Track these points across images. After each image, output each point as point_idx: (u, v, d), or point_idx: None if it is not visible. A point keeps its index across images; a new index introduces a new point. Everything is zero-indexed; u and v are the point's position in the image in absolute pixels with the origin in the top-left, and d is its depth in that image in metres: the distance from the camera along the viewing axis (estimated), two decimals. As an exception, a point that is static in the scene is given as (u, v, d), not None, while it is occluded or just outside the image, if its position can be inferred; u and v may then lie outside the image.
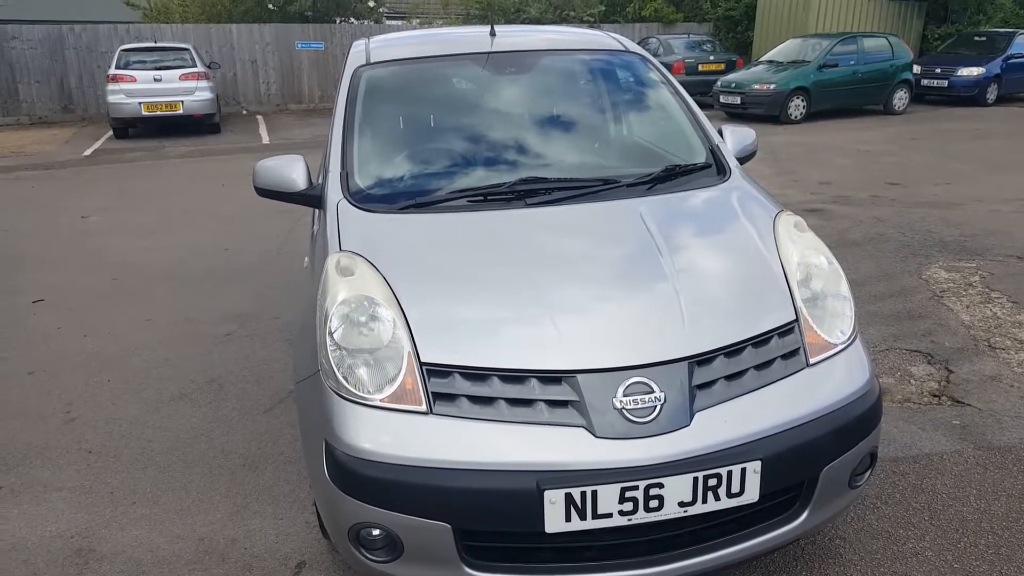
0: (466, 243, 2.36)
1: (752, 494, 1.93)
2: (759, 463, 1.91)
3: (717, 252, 2.40)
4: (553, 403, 1.91)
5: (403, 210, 2.54)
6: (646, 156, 3.08)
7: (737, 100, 13.92)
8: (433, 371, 1.96)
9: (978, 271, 5.18)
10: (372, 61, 3.18)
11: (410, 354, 1.98)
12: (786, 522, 2.09)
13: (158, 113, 12.25)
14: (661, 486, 1.85)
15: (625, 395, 1.91)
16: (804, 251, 2.36)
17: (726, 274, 2.29)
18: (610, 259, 2.32)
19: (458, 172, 2.81)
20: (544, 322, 2.03)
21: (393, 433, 1.91)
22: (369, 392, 1.96)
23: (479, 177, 2.75)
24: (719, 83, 14.48)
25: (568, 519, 1.83)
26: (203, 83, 12.52)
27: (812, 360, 2.11)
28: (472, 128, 3.01)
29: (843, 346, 2.19)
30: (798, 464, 2.01)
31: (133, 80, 12.11)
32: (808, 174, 8.87)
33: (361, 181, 2.70)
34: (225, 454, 3.15)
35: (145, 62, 12.45)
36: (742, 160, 3.19)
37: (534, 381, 1.93)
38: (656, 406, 1.91)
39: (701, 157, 2.95)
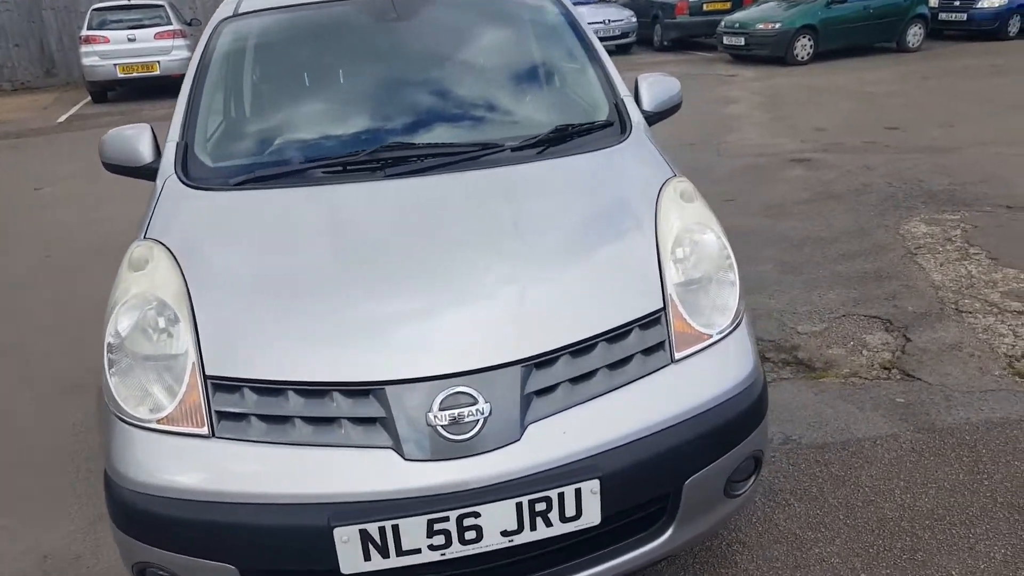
0: (293, 227, 2.07)
1: (592, 516, 1.67)
2: (597, 482, 1.64)
3: (584, 230, 2.08)
4: (359, 421, 1.65)
5: (239, 186, 2.25)
6: (543, 114, 2.74)
7: (741, 41, 13.27)
8: (219, 386, 1.69)
9: (961, 224, 4.79)
10: (240, 12, 2.86)
11: (195, 365, 1.72)
12: (650, 539, 1.84)
13: (134, 75, 11.93)
14: (477, 515, 1.60)
15: (441, 408, 1.64)
16: (688, 225, 2.06)
17: (588, 256, 1.99)
18: (453, 244, 2.02)
19: (316, 138, 2.50)
20: (358, 325, 1.76)
21: (170, 461, 1.66)
22: (147, 411, 1.71)
23: (341, 143, 2.44)
24: (723, 23, 13.81)
25: (368, 558, 1.59)
26: (180, 41, 12.10)
27: (678, 355, 1.83)
28: (340, 86, 2.70)
29: (719, 337, 1.90)
30: (651, 479, 1.74)
31: (106, 41, 11.75)
32: (805, 119, 8.38)
33: (201, 153, 2.41)
34: (97, 457, 2.95)
35: (120, 21, 12.07)
36: (664, 114, 2.86)
37: (337, 395, 1.66)
38: (479, 420, 1.64)
39: (604, 114, 2.62)
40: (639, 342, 1.81)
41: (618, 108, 2.62)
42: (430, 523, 1.58)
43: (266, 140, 2.50)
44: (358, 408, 1.65)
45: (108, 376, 1.75)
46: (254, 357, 1.72)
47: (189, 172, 2.34)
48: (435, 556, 1.61)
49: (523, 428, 1.66)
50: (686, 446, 1.76)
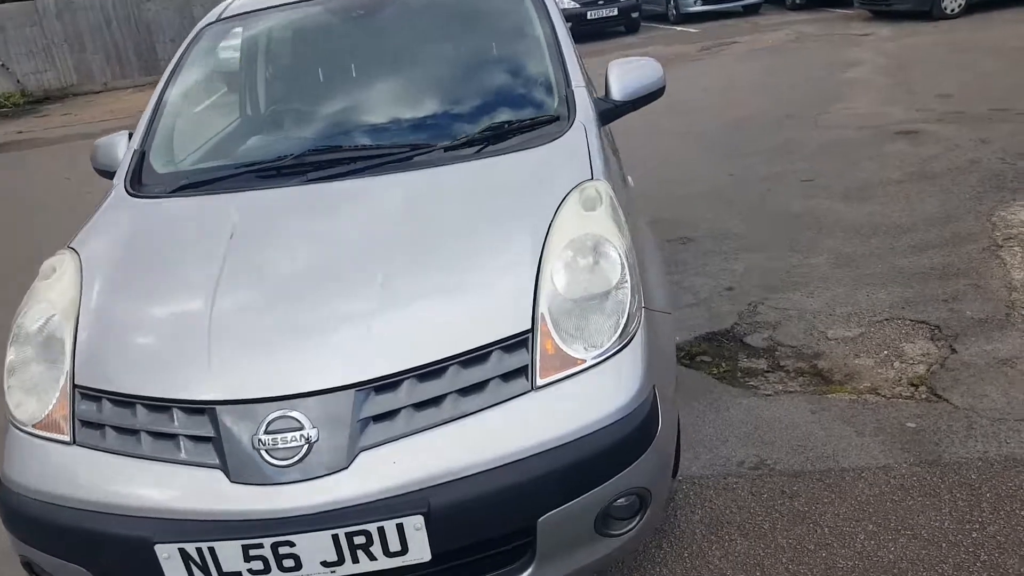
0: (197, 237, 2.09)
1: (420, 553, 1.58)
2: (421, 519, 1.55)
3: (468, 241, 1.94)
4: (194, 439, 1.65)
5: (172, 193, 2.30)
6: (489, 111, 2.59)
7: (882, -5, 12.02)
8: (84, 395, 1.76)
9: (1071, 211, 4.10)
10: (223, 16, 2.91)
11: (67, 375, 1.79)
12: (513, 574, 1.72)
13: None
14: (291, 544, 1.55)
15: (268, 432, 1.60)
16: (582, 236, 1.87)
17: (462, 271, 1.85)
18: (330, 257, 1.95)
19: (255, 143, 2.52)
20: (204, 342, 1.74)
21: (39, 464, 1.75)
22: (27, 416, 1.80)
23: (277, 147, 2.44)
24: (862, -24, 12.56)
25: None
26: None
27: (541, 381, 1.67)
28: (298, 90, 2.70)
29: (595, 362, 1.72)
30: (493, 515, 1.62)
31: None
32: (931, 84, 7.48)
33: (155, 159, 2.48)
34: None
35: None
36: (639, 103, 2.63)
37: (177, 412, 1.67)
38: (303, 446, 1.59)
39: (552, 108, 2.44)
40: (498, 366, 1.68)
41: (568, 101, 2.42)
42: (245, 548, 1.56)
43: (210, 146, 2.54)
44: (192, 427, 1.65)
45: (5, 380, 1.86)
46: (114, 370, 1.77)
47: (142, 179, 2.41)
48: None
49: (353, 456, 1.59)
50: (537, 482, 1.61)
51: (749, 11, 14.88)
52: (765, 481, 2.38)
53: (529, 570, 1.70)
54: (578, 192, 1.98)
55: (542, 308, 1.74)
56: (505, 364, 1.68)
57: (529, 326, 1.71)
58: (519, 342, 1.70)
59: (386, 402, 1.63)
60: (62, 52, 16.30)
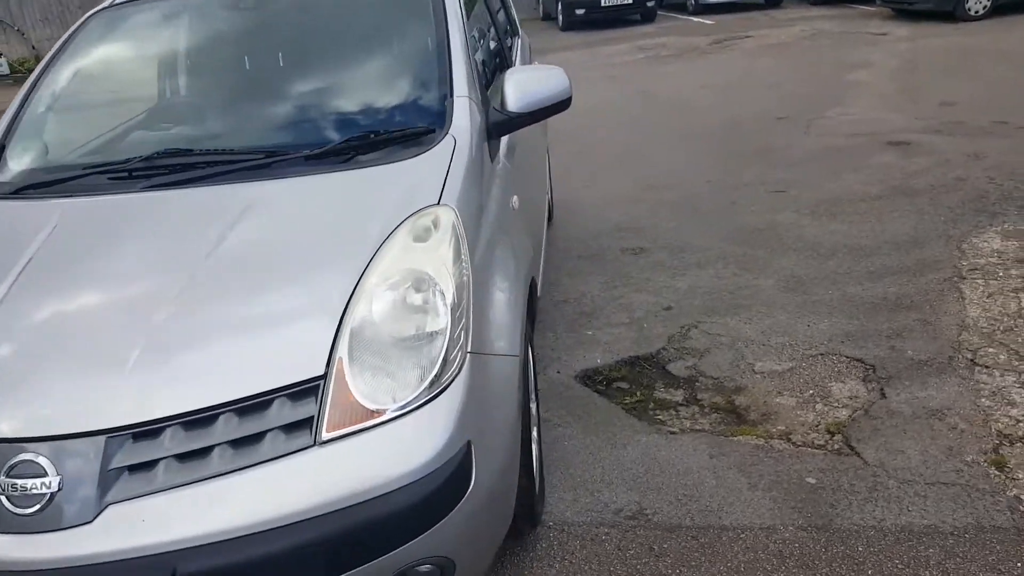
0: (8, 250, 1.93)
1: None
2: None
3: (278, 272, 1.75)
4: None
5: (13, 195, 2.15)
6: (362, 119, 2.38)
7: (905, -7, 11.55)
8: None
9: (1047, 242, 3.82)
10: (115, 3, 2.74)
11: None
12: None
13: None
14: None
15: (9, 476, 1.45)
16: (404, 272, 1.69)
17: (260, 306, 1.68)
18: (122, 283, 1.77)
19: (119, 142, 2.35)
20: None
21: None
22: None
23: (127, 148, 2.28)
24: (886, -28, 12.09)
25: None
26: None
27: (327, 436, 1.50)
28: (169, 87, 2.53)
29: (394, 415, 1.54)
30: None
31: None
32: (936, 91, 7.13)
33: (12, 156, 2.32)
34: None
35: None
36: (539, 115, 2.41)
37: None
38: (46, 494, 1.43)
39: (429, 117, 2.24)
40: (279, 416, 1.50)
41: (445, 112, 2.22)
42: None
43: (72, 143, 2.38)
44: None
45: None
46: None
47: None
48: None
49: (100, 509, 1.43)
50: (308, 549, 1.45)
51: (771, 3, 14.43)
52: (637, 534, 2.19)
53: None
54: (413, 220, 1.79)
55: (341, 351, 1.56)
56: (288, 414, 1.51)
57: (322, 372, 1.54)
58: (307, 390, 1.53)
59: (143, 451, 1.46)
60: (76, 18, 16.29)
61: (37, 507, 1.43)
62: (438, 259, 1.72)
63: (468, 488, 1.60)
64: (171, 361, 1.55)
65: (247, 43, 2.54)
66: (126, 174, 2.13)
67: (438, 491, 1.53)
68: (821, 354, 3.07)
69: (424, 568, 1.57)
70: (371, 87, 2.45)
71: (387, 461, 1.51)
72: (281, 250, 1.81)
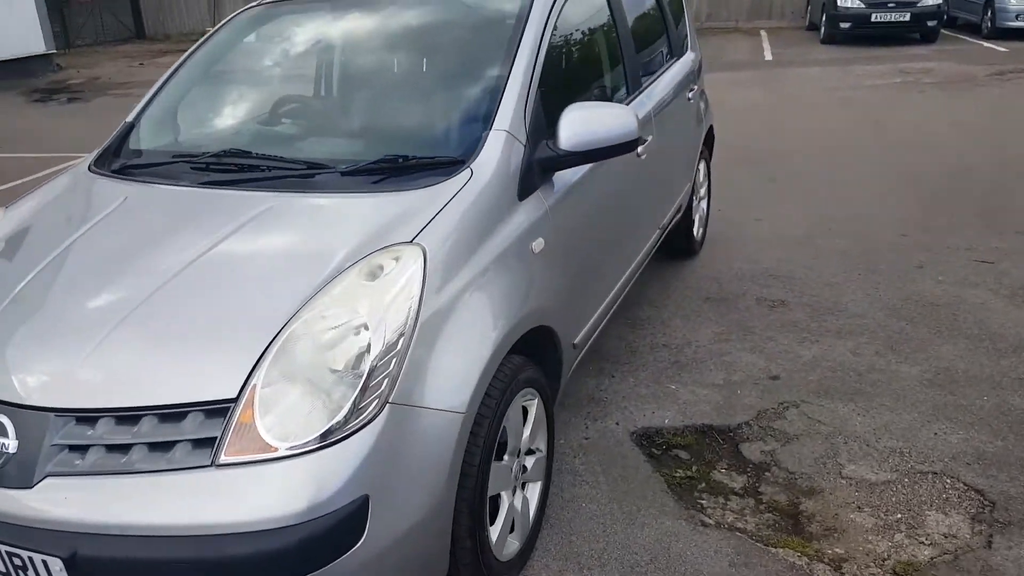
0: (66, 224, 2.13)
1: None
2: (61, 562, 1.48)
3: (243, 286, 1.78)
4: None
5: (113, 173, 2.38)
6: (404, 141, 2.30)
7: None
8: None
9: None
10: (265, 0, 2.95)
11: None
12: None
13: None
14: None
15: None
16: (336, 310, 1.63)
17: (212, 317, 1.70)
18: (118, 271, 1.88)
19: (205, 136, 2.53)
20: None
21: None
22: None
23: (211, 144, 2.42)
24: None
25: None
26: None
27: (226, 459, 1.49)
28: (265, 91, 2.66)
29: (288, 454, 1.50)
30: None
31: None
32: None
33: (138, 135, 2.58)
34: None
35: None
36: (596, 155, 2.24)
37: None
38: (4, 454, 1.58)
39: (457, 149, 2.15)
40: (191, 430, 1.53)
41: (477, 143, 2.11)
42: None
43: (166, 130, 2.59)
44: None
45: None
46: None
47: (119, 153, 2.53)
48: None
49: (39, 478, 1.54)
50: (182, 564, 1.47)
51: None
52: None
53: None
54: (374, 256, 1.73)
55: (257, 379, 1.54)
56: (198, 430, 1.53)
57: (234, 395, 1.53)
58: (218, 410, 1.53)
59: (80, 434, 1.56)
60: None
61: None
62: (379, 301, 1.64)
63: (357, 543, 1.52)
64: (120, 356, 1.64)
65: (335, 57, 2.64)
66: (201, 167, 2.29)
67: (317, 539, 1.47)
68: (934, 472, 2.52)
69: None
70: (428, 111, 2.43)
71: (273, 499, 1.48)
72: (255, 266, 1.85)
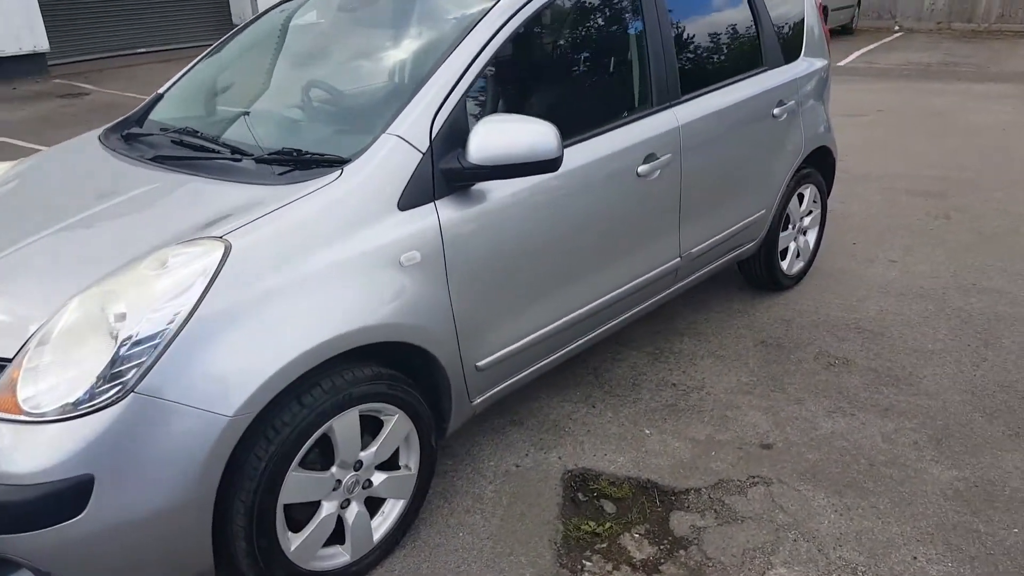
0: (37, 185, 2.44)
1: None
2: None
3: (65, 258, 1.93)
4: None
5: (122, 139, 2.64)
6: (317, 133, 2.29)
7: None
8: None
9: None
10: None
11: None
12: None
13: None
14: None
15: None
16: (108, 292, 1.73)
17: (40, 277, 1.88)
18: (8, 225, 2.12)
19: (185, 112, 2.72)
20: None
21: None
22: None
23: (187, 121, 2.61)
24: None
25: None
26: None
27: None
28: (250, 71, 2.80)
29: (27, 419, 1.63)
30: None
31: None
32: None
33: (160, 106, 2.85)
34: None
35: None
36: (508, 171, 2.12)
37: None
38: None
39: (348, 149, 2.12)
40: None
41: (369, 145, 2.08)
42: None
43: (177, 106, 2.82)
44: None
45: None
46: None
47: (126, 124, 2.81)
48: None
49: None
50: None
51: None
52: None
53: None
54: (174, 247, 1.80)
55: (31, 345, 1.70)
56: None
57: (11, 356, 1.70)
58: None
59: None
60: None
61: None
62: (146, 292, 1.71)
63: (75, 516, 1.62)
64: None
65: (300, 48, 2.72)
66: (162, 143, 2.50)
67: (29, 503, 1.59)
68: (877, 605, 2.05)
69: (22, 571, 1.67)
70: (343, 106, 2.43)
71: (8, 457, 1.62)
72: (85, 242, 1.99)
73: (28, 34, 10.13)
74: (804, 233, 3.96)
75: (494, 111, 2.29)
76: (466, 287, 2.20)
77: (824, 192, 3.99)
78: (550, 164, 2.12)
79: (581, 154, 2.48)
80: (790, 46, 3.59)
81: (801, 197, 3.81)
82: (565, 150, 2.40)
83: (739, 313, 3.70)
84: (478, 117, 2.22)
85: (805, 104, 3.61)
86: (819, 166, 3.87)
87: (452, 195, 2.17)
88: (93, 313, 1.70)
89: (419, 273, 2.08)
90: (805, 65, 3.64)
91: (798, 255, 3.93)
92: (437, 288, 2.13)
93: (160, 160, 2.30)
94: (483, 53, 2.25)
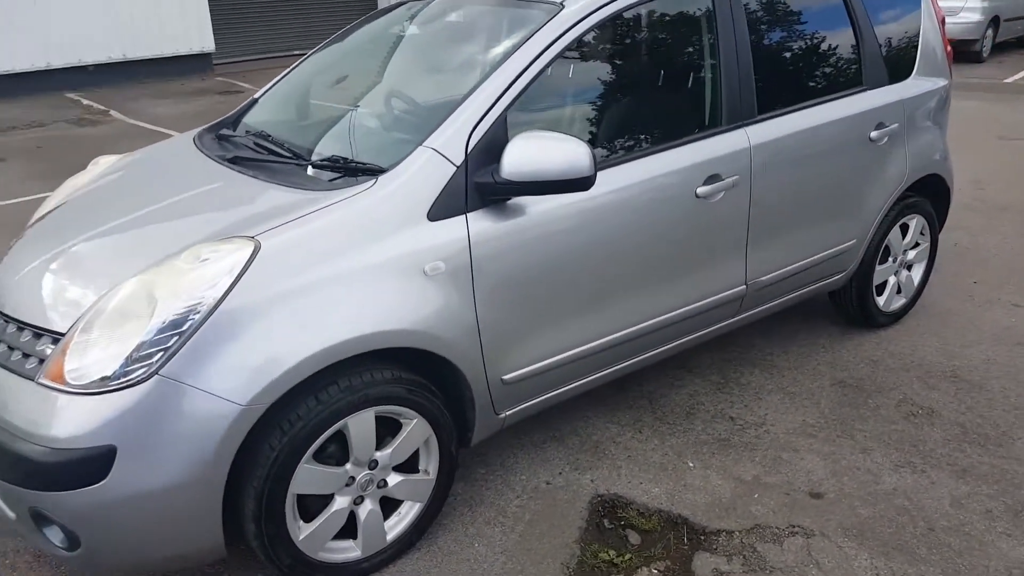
0: (129, 180, 2.66)
1: None
2: None
3: (127, 246, 2.14)
4: None
5: (208, 138, 2.84)
6: (367, 142, 2.37)
7: None
8: None
9: None
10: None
11: None
12: None
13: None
14: None
15: None
16: (148, 282, 1.90)
17: (98, 262, 2.11)
18: (94, 218, 2.32)
19: (269, 117, 2.89)
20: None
21: None
22: None
23: (266, 125, 2.78)
24: None
25: None
26: (973, 2, 10.78)
27: (41, 381, 1.85)
28: (333, 80, 2.93)
29: (69, 390, 1.80)
30: None
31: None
32: None
33: (255, 109, 3.03)
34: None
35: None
36: (539, 188, 2.15)
37: None
38: None
39: (390, 159, 2.19)
40: (39, 348, 1.92)
41: (405, 157, 2.16)
42: None
43: (267, 108, 3.01)
44: None
45: None
46: None
47: (235, 124, 3.03)
48: None
49: None
50: None
51: None
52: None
53: None
54: (207, 244, 1.94)
55: (83, 322, 1.88)
56: (41, 351, 1.92)
57: (65, 331, 1.90)
58: (54, 339, 1.92)
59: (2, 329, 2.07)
60: None
61: None
62: (178, 284, 1.85)
63: (98, 482, 1.79)
64: (35, 276, 2.11)
65: (370, 60, 2.82)
66: (241, 144, 2.68)
67: (61, 466, 1.78)
68: None
69: (54, 527, 1.87)
70: (396, 117, 2.50)
71: (44, 421, 1.81)
72: (163, 227, 2.18)
73: (197, 36, 11.13)
74: (908, 267, 3.66)
75: (539, 128, 2.29)
76: (494, 299, 2.22)
77: (935, 224, 3.67)
78: (582, 183, 2.10)
79: (627, 173, 2.43)
80: (899, 64, 3.33)
81: (905, 228, 3.52)
82: (609, 170, 2.38)
83: (823, 349, 3.48)
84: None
85: (913, 127, 3.33)
86: (930, 195, 3.56)
87: (487, 208, 2.19)
88: (136, 298, 1.87)
89: (444, 283, 2.12)
90: (916, 85, 3.36)
91: (899, 290, 3.64)
92: (462, 299, 2.16)
93: (235, 161, 2.47)
94: (528, 70, 2.27)
